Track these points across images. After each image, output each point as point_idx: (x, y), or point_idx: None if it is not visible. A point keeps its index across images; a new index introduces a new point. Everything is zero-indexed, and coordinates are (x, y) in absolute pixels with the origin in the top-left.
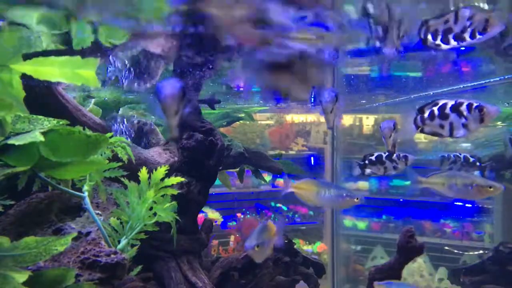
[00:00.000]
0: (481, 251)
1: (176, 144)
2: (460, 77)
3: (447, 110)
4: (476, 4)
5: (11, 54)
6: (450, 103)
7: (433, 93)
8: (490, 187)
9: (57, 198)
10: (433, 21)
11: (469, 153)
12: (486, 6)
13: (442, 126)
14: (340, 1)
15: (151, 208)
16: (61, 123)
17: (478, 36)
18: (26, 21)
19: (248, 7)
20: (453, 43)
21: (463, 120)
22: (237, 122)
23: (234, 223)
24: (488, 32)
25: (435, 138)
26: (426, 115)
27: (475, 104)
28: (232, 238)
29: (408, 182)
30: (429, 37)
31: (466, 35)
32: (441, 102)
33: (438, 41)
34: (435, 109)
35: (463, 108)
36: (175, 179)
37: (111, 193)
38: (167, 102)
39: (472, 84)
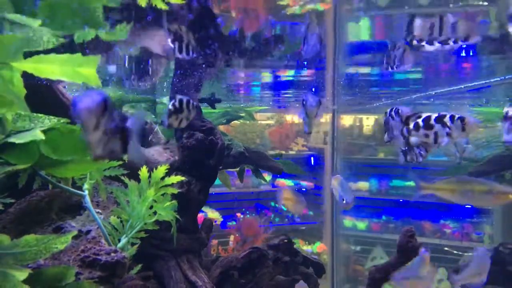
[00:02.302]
0: None
1: (177, 143)
2: (461, 77)
3: (432, 121)
4: (475, 3)
5: (12, 52)
6: (434, 115)
7: (434, 93)
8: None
9: (58, 197)
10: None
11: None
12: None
13: (427, 136)
14: (343, 20)
15: (151, 207)
16: (61, 121)
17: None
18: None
19: None
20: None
21: (447, 130)
22: (237, 122)
23: (234, 223)
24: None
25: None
26: (411, 126)
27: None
28: (231, 238)
29: (408, 183)
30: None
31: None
32: (424, 115)
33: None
34: (419, 120)
35: (446, 119)
36: (175, 178)
37: (112, 192)
38: (83, 117)
39: (473, 84)
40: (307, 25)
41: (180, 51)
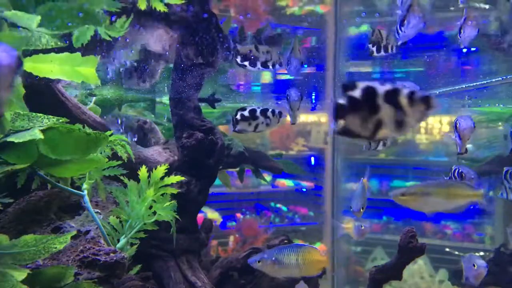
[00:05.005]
0: (482, 253)
1: (177, 142)
2: (462, 77)
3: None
4: (477, 4)
5: None
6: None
7: (438, 92)
8: None
9: (56, 196)
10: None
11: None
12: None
13: None
14: (343, 24)
15: (150, 207)
16: (60, 121)
17: None
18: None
19: None
20: None
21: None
22: None
23: (234, 223)
24: None
25: (437, 138)
26: None
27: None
28: (231, 238)
29: (409, 184)
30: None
31: None
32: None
33: None
34: None
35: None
36: (174, 178)
37: (111, 192)
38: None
39: (474, 84)
40: (291, 49)
41: (254, 66)
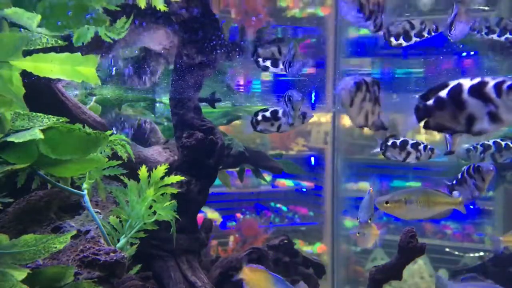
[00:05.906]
0: (482, 253)
1: (177, 142)
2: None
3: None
4: (477, 6)
5: (11, 50)
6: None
7: None
8: None
9: (56, 196)
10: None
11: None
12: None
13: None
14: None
15: (150, 207)
16: (60, 120)
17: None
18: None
19: None
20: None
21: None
22: (238, 122)
23: (234, 223)
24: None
25: (437, 138)
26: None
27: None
28: (231, 238)
29: (408, 184)
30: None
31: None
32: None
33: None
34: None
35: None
36: (174, 178)
37: (111, 192)
38: None
39: None
40: (293, 54)
41: (276, 66)
